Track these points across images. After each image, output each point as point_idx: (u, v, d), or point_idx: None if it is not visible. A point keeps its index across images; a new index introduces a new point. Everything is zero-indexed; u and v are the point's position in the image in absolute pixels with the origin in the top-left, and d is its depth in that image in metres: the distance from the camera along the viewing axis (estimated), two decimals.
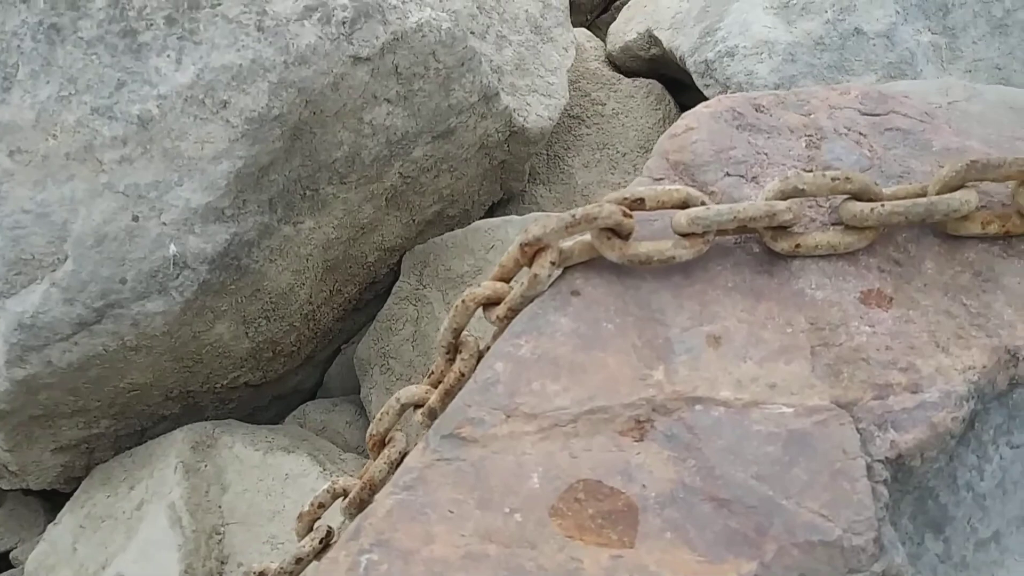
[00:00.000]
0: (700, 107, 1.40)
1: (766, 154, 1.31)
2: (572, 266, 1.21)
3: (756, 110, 1.38)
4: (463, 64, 2.03)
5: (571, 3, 3.60)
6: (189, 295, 1.79)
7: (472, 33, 2.21)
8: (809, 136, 1.33)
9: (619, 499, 0.97)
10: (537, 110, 2.36)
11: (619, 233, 1.16)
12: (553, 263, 1.17)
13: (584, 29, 3.05)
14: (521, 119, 2.30)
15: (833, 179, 1.13)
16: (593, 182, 2.66)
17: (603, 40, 3.02)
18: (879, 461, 0.98)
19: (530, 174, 2.67)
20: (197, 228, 1.76)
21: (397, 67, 1.92)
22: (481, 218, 2.48)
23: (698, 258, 1.18)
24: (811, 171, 1.27)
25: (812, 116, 1.36)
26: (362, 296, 2.33)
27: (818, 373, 1.05)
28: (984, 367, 1.03)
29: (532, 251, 1.18)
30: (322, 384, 2.47)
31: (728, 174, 1.28)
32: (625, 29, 2.87)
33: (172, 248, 1.75)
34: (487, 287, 1.25)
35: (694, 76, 2.38)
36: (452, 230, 2.33)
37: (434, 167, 2.17)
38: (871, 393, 1.02)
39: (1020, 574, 1.10)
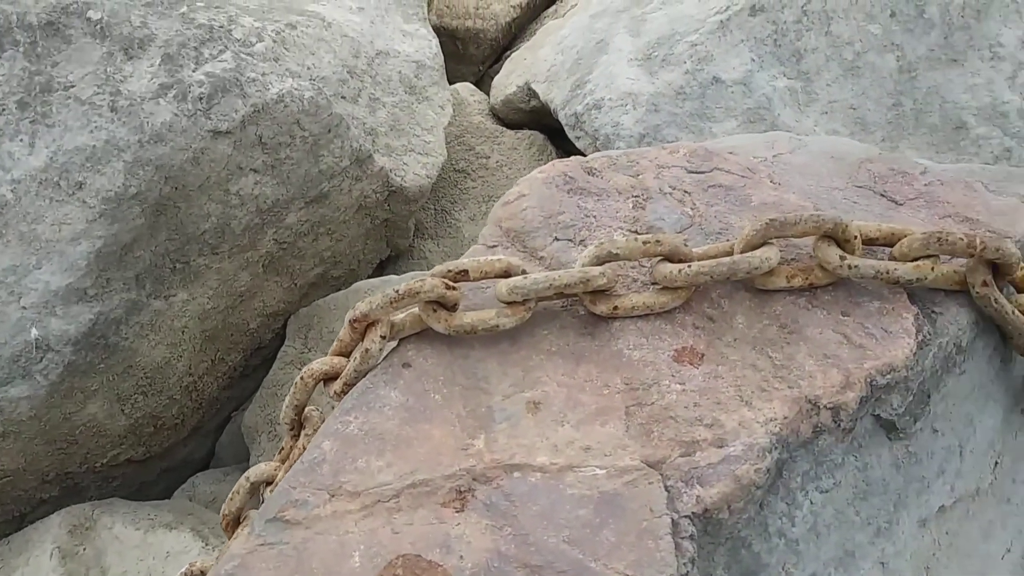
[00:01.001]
0: (535, 173, 1.44)
1: (594, 217, 1.36)
2: (407, 337, 1.24)
3: (588, 173, 1.43)
4: (330, 131, 2.06)
5: (463, 55, 3.70)
6: (55, 377, 1.78)
7: (343, 98, 2.24)
8: (636, 197, 1.38)
9: (436, 572, 0.99)
10: (415, 169, 2.39)
11: (445, 305, 1.19)
12: (384, 337, 1.20)
13: (468, 84, 3.11)
14: (399, 179, 2.33)
15: (644, 243, 1.18)
16: (480, 235, 2.70)
17: (488, 93, 3.09)
18: (686, 517, 1.02)
19: (417, 229, 2.70)
20: (59, 310, 1.75)
21: (261, 138, 1.94)
22: (369, 276, 2.50)
23: (524, 324, 1.22)
24: (636, 232, 1.33)
25: (640, 177, 1.42)
26: (248, 362, 2.32)
27: (632, 433, 1.09)
28: (785, 418, 1.08)
29: (362, 327, 1.21)
30: (214, 454, 2.45)
31: (557, 239, 1.33)
32: (506, 82, 2.93)
33: (34, 332, 1.74)
34: (325, 362, 1.27)
35: (566, 128, 2.45)
36: (338, 291, 2.35)
37: (311, 231, 2.19)
38: (679, 450, 1.06)
39: None
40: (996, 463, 1.37)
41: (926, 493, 1.23)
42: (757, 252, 1.16)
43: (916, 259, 1.17)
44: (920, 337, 1.16)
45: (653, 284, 1.22)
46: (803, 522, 1.11)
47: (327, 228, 2.23)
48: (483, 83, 3.32)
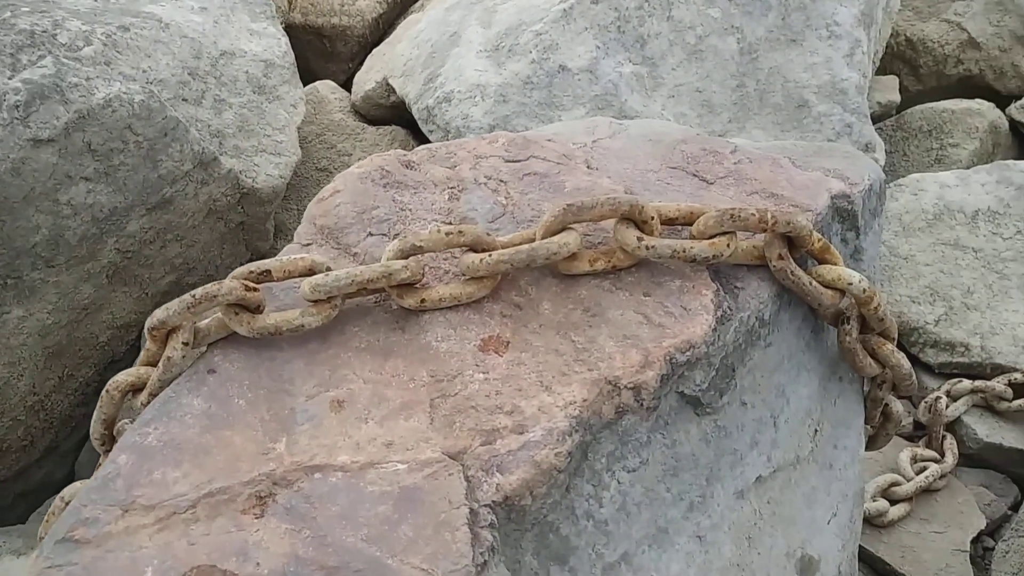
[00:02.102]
0: (352, 168, 1.43)
1: (410, 210, 1.35)
2: (216, 342, 1.21)
3: (405, 167, 1.42)
4: (166, 134, 2.00)
5: (331, 53, 3.65)
6: None
7: (184, 100, 2.19)
8: (452, 188, 1.37)
9: None
10: (267, 170, 2.35)
11: (247, 307, 1.16)
12: (186, 343, 1.17)
13: (328, 81, 3.06)
14: (250, 180, 2.29)
15: (447, 234, 1.17)
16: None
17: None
18: (486, 506, 1.02)
19: (279, 230, 2.65)
20: None
21: (90, 144, 1.88)
22: None
23: (335, 322, 1.20)
24: (450, 223, 1.32)
25: (457, 168, 1.41)
26: (102, 377, 2.24)
27: (435, 426, 1.09)
28: (585, 400, 1.09)
29: (161, 334, 1.17)
30: (73, 474, 2.36)
31: (371, 234, 1.31)
32: (366, 79, 2.90)
33: None
34: (131, 373, 1.23)
35: (419, 123, 2.44)
36: None
37: (157, 238, 2.12)
38: (479, 440, 1.06)
39: None
40: (816, 431, 1.41)
41: (740, 465, 1.26)
42: (556, 238, 1.17)
43: (713, 237, 1.19)
44: (719, 313, 1.18)
45: (460, 276, 1.22)
46: (611, 502, 1.12)
47: (175, 234, 2.17)
48: (352, 81, 3.28)
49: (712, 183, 1.40)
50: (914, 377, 1.41)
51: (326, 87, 2.98)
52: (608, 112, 2.32)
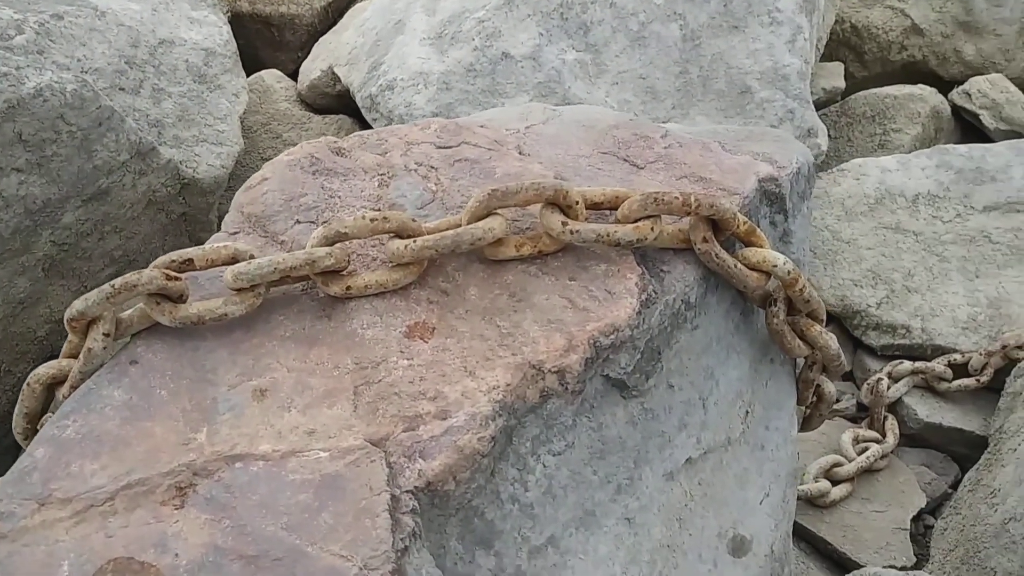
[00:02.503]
0: (282, 156, 1.41)
1: (339, 197, 1.34)
2: (139, 333, 1.20)
3: (336, 154, 1.41)
4: (100, 124, 1.97)
5: (280, 42, 3.61)
6: None
7: (121, 89, 2.16)
8: (382, 175, 1.37)
9: (148, 573, 0.96)
10: (208, 160, 2.32)
11: (170, 296, 1.15)
12: (107, 335, 1.15)
13: (274, 71, 3.03)
14: (190, 171, 2.26)
15: (372, 220, 1.17)
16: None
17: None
18: (407, 492, 1.01)
19: (223, 221, 2.62)
20: None
21: (21, 135, 1.84)
22: None
23: (261, 310, 1.19)
24: (379, 210, 1.32)
25: (388, 155, 1.41)
26: None
27: (359, 413, 1.08)
28: (508, 385, 1.09)
29: (81, 325, 1.15)
30: None
31: (299, 221, 1.30)
32: (312, 67, 2.88)
33: None
34: (52, 366, 1.21)
35: (363, 111, 2.42)
36: None
37: (95, 230, 2.09)
38: (402, 426, 1.06)
39: (586, 571, 1.16)
40: (747, 412, 1.42)
41: (669, 447, 1.27)
42: (480, 224, 1.16)
43: (637, 221, 1.19)
44: (644, 296, 1.18)
45: (387, 262, 1.21)
46: (537, 486, 1.12)
47: (114, 226, 2.13)
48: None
49: (642, 168, 1.41)
50: (843, 358, 1.42)
51: (271, 76, 2.95)
52: (551, 99, 2.33)
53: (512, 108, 1.60)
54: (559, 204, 1.19)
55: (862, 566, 2.01)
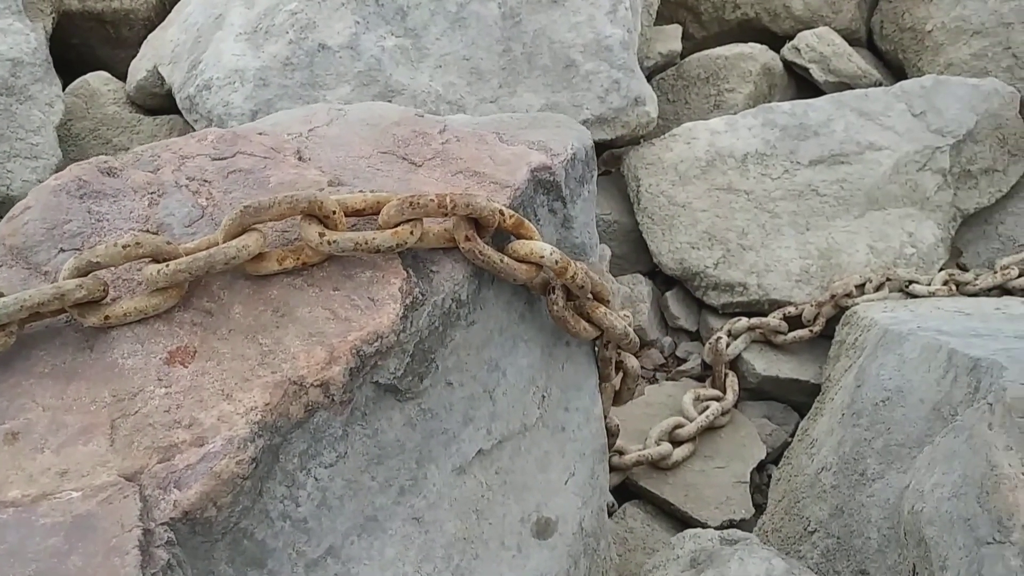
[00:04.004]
0: (48, 180, 1.37)
1: (107, 220, 1.31)
2: None
3: (106, 174, 1.37)
4: None
5: (117, 40, 3.48)
6: None
7: None
8: (152, 194, 1.34)
9: None
10: (22, 175, 2.25)
11: None
12: None
13: (101, 72, 2.93)
14: (3, 188, 2.18)
15: (124, 247, 1.15)
16: None
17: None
18: (163, 524, 1.01)
19: None
20: None
21: None
22: None
23: (19, 346, 1.16)
24: (148, 230, 1.29)
25: (160, 171, 1.38)
26: None
27: (116, 447, 1.07)
28: (267, 404, 1.09)
29: None
30: None
31: (63, 249, 1.27)
32: (139, 67, 2.80)
33: None
34: None
35: (183, 112, 2.36)
36: None
37: None
38: (157, 457, 1.05)
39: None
40: (543, 397, 1.45)
41: (455, 443, 1.29)
42: (234, 242, 1.15)
43: (397, 225, 1.20)
44: (409, 300, 1.19)
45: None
46: (310, 500, 1.12)
47: None
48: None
49: (420, 165, 1.41)
50: (631, 336, 1.46)
51: (98, 79, 2.86)
52: (373, 87, 2.30)
53: (298, 110, 1.58)
54: (317, 215, 1.18)
55: (703, 523, 2.08)
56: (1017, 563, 1.11)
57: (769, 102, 3.00)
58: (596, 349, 1.54)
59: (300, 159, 1.41)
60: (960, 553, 1.18)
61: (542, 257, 1.27)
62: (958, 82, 2.73)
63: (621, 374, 1.61)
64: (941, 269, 2.59)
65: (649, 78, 3.09)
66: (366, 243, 1.18)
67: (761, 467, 2.30)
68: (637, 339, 1.49)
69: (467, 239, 1.23)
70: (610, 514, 2.14)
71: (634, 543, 2.07)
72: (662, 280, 2.69)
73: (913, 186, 2.60)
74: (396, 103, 2.32)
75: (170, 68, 2.54)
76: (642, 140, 2.68)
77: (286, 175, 1.37)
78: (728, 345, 2.42)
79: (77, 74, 3.01)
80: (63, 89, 2.80)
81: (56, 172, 2.32)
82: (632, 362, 1.60)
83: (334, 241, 1.17)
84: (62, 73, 3.26)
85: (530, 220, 1.38)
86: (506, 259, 1.26)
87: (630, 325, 1.55)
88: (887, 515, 1.49)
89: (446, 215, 1.21)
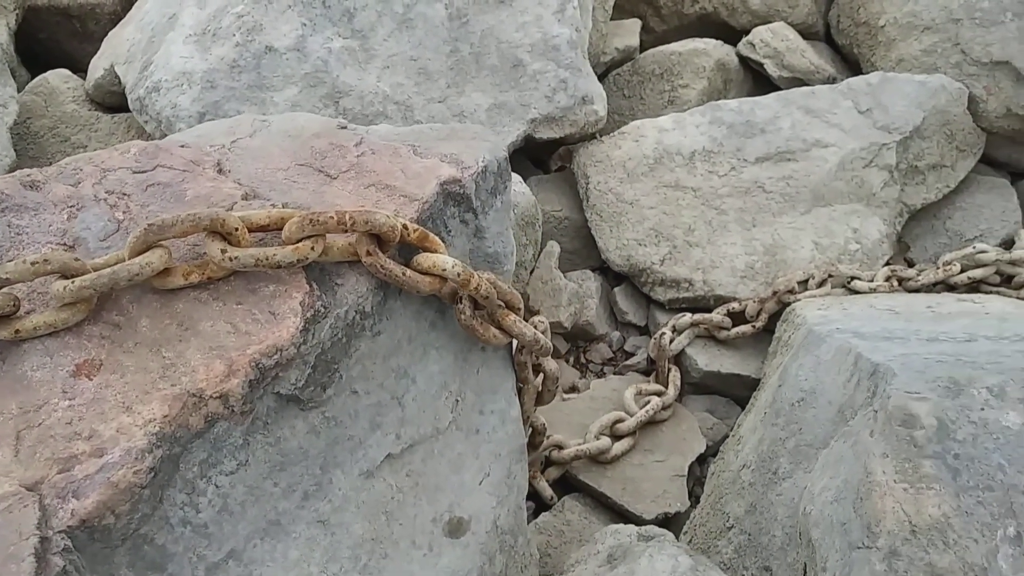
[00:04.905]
0: None
1: (26, 234, 1.35)
2: None
3: (28, 188, 1.42)
4: None
5: (84, 34, 3.51)
6: None
7: None
8: (71, 207, 1.38)
9: None
10: None
11: None
12: None
13: (61, 70, 2.96)
14: None
15: (33, 263, 1.19)
16: None
17: None
18: (60, 532, 1.06)
19: None
20: None
21: None
22: None
23: None
24: (64, 245, 1.34)
25: (80, 185, 1.42)
26: None
27: (20, 458, 1.12)
28: (166, 416, 1.14)
29: None
30: None
31: None
32: (97, 65, 2.83)
33: None
34: None
35: (135, 114, 2.40)
36: None
37: None
38: (57, 468, 1.10)
39: None
40: (456, 402, 1.50)
41: (362, 448, 1.34)
42: (138, 259, 1.20)
43: (299, 241, 1.24)
44: (309, 313, 1.24)
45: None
46: (211, 506, 1.18)
47: None
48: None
49: (335, 178, 1.45)
50: (542, 341, 1.51)
51: (57, 77, 2.89)
52: (320, 89, 2.34)
53: (223, 121, 1.63)
54: (219, 232, 1.23)
55: (639, 516, 2.14)
56: (882, 568, 1.16)
57: (725, 98, 3.04)
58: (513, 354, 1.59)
59: (220, 171, 1.46)
60: (836, 556, 1.23)
61: (444, 270, 1.32)
62: (905, 79, 2.76)
63: (542, 376, 1.66)
64: (886, 264, 2.63)
65: (606, 73, 3.12)
66: (267, 259, 1.22)
67: (703, 460, 2.36)
68: (549, 344, 1.53)
69: (368, 254, 1.27)
70: (550, 507, 2.20)
71: (570, 535, 2.12)
72: (614, 275, 2.74)
73: (859, 182, 2.64)
74: (343, 104, 2.36)
75: (125, 68, 2.58)
76: (600, 136, 2.71)
77: (202, 188, 1.41)
78: (672, 341, 2.46)
79: (44, 68, 3.04)
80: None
81: (9, 172, 2.37)
82: (550, 365, 1.65)
83: (236, 257, 1.22)
84: (30, 67, 3.30)
85: (441, 232, 1.43)
86: (409, 272, 1.31)
87: (546, 331, 1.59)
88: (791, 514, 1.54)
89: (346, 231, 1.25)
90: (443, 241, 1.42)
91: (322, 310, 1.26)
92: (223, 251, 1.22)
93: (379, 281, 1.33)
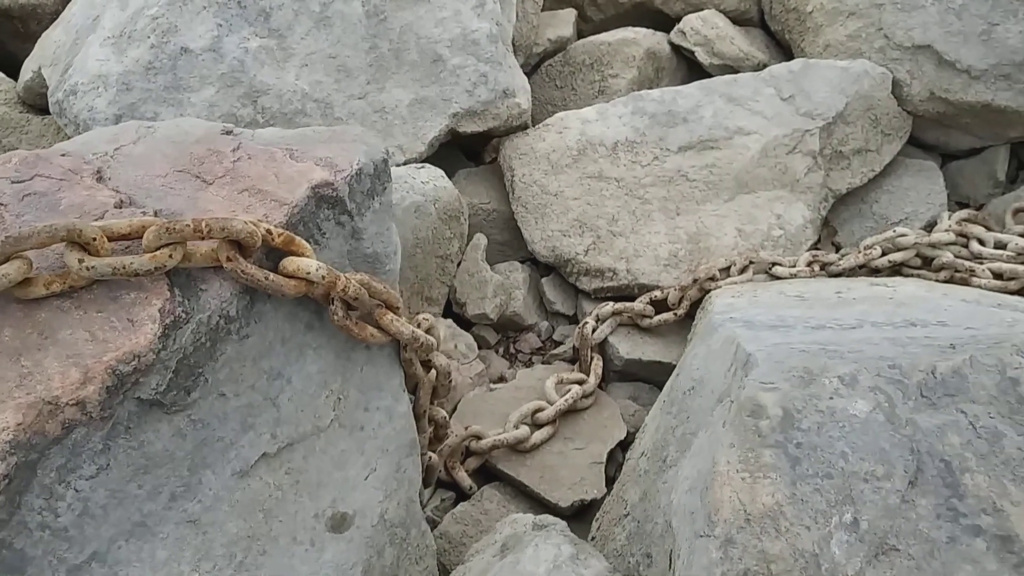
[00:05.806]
0: None
1: None
2: None
3: None
4: None
5: (26, 35, 3.51)
6: None
7: None
8: None
9: None
10: None
11: None
12: None
13: None
14: None
15: None
16: None
17: None
18: None
19: None
20: None
21: None
22: None
23: None
24: None
25: None
26: None
27: None
28: (20, 424, 1.17)
29: None
30: None
31: None
32: (28, 67, 2.84)
33: None
34: None
35: (55, 117, 2.42)
36: None
37: None
38: None
39: None
40: (338, 400, 1.53)
41: (233, 449, 1.37)
42: None
43: (157, 249, 1.27)
44: (169, 320, 1.27)
45: None
46: (71, 510, 1.21)
47: None
48: None
49: (211, 183, 1.48)
50: (421, 338, 1.54)
51: None
52: (238, 89, 2.36)
53: (108, 129, 1.65)
54: (78, 242, 1.25)
55: (555, 504, 2.18)
56: (718, 556, 1.20)
57: (659, 87, 3.06)
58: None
59: (99, 179, 1.48)
60: (686, 544, 1.27)
61: (309, 273, 1.35)
62: (827, 65, 2.79)
63: (434, 372, 1.70)
64: (810, 249, 2.67)
65: (539, 64, 3.14)
66: (124, 268, 1.25)
67: (626, 447, 2.40)
68: (431, 340, 1.57)
69: (228, 259, 1.30)
70: (469, 497, 2.23)
71: (487, 524, 2.16)
72: (543, 266, 2.77)
73: (783, 169, 2.67)
74: (262, 103, 2.38)
75: (50, 70, 2.59)
76: (529, 128, 2.74)
77: (77, 198, 1.43)
78: (594, 330, 2.50)
79: None
80: None
81: None
82: (440, 360, 1.68)
83: (93, 267, 1.24)
84: None
85: (314, 234, 1.46)
86: (272, 276, 1.34)
87: (430, 329, 1.63)
88: (670, 501, 1.58)
89: (203, 239, 1.28)
90: (316, 243, 1.46)
91: (183, 316, 1.29)
92: (80, 261, 1.24)
93: (244, 286, 1.35)
